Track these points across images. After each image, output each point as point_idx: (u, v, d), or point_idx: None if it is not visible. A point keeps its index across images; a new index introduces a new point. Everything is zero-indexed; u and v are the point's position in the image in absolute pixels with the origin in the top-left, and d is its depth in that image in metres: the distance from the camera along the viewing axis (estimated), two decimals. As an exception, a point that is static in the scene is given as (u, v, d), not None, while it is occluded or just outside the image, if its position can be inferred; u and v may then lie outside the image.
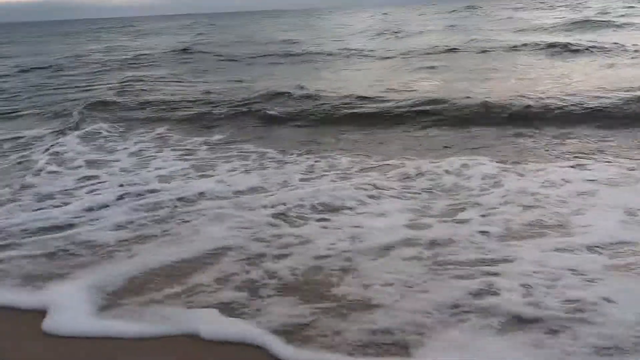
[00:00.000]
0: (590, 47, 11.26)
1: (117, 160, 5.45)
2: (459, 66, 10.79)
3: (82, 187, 4.61)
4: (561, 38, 13.36)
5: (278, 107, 7.61)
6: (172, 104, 8.41)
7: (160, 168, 5.10)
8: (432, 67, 10.88)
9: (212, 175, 4.77)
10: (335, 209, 3.79)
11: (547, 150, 5.07)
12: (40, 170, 5.11)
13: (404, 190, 4.13)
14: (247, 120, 7.12)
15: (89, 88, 10.86)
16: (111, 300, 2.72)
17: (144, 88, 10.35)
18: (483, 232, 3.27)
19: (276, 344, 2.28)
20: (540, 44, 12.34)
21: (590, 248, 2.99)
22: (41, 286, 2.88)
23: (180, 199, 4.14)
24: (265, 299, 2.66)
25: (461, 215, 3.56)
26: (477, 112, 6.57)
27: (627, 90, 6.86)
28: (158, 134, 6.65)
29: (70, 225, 3.72)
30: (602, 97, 6.64)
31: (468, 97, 7.18)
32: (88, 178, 4.86)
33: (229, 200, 4.08)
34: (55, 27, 63.11)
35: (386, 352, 2.22)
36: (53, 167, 5.20)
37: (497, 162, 4.67)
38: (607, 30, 14.98)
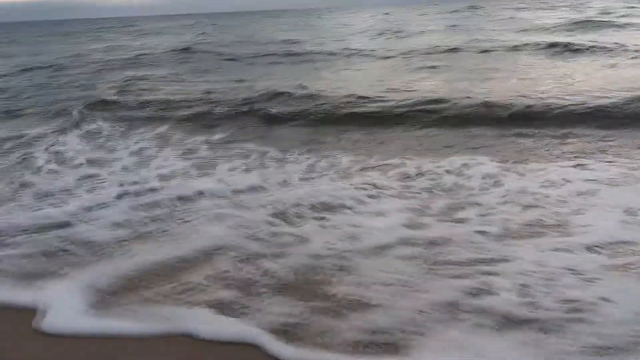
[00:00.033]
0: (591, 47, 11.24)
1: (118, 159, 5.46)
2: (460, 66, 10.78)
3: (81, 185, 4.62)
4: (562, 38, 13.34)
5: (279, 106, 7.62)
6: (173, 104, 8.43)
7: (160, 167, 5.11)
8: (433, 67, 10.87)
9: (212, 175, 4.78)
10: (334, 209, 3.80)
11: (548, 150, 5.06)
12: (40, 168, 5.13)
13: (404, 189, 4.13)
14: (248, 120, 7.13)
15: (90, 87, 10.87)
16: (107, 299, 2.72)
17: (145, 87, 10.36)
18: (482, 232, 3.27)
19: (273, 343, 2.29)
20: (541, 44, 12.32)
21: (589, 248, 2.99)
22: (37, 285, 2.88)
23: (179, 198, 4.14)
24: (261, 298, 2.66)
25: (460, 215, 3.57)
26: (478, 112, 6.57)
27: (628, 90, 6.84)
28: (159, 133, 6.66)
29: (68, 224, 3.72)
30: (603, 97, 6.63)
31: (469, 97, 7.17)
32: (88, 177, 4.86)
33: (228, 199, 4.09)
34: (55, 27, 63.14)
35: (383, 351, 2.22)
36: (53, 166, 5.22)
37: (497, 162, 4.67)
38: (608, 30, 14.95)
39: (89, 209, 4.00)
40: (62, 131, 6.80)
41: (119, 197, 4.24)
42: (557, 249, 2.99)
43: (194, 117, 7.48)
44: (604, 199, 3.69)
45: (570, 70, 9.26)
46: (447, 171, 4.50)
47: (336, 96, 7.95)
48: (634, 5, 22.85)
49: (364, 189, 4.16)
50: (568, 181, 4.07)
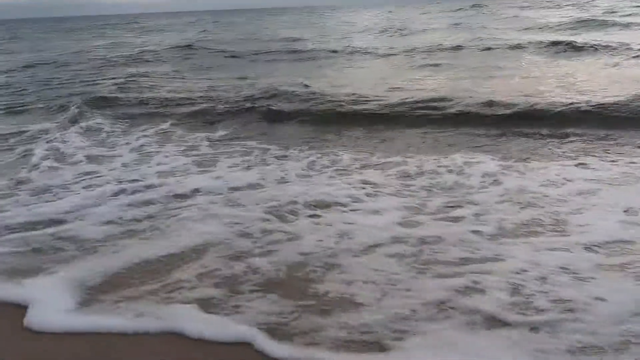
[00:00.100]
0: (595, 45, 11.19)
1: (118, 156, 5.47)
2: (463, 64, 10.75)
3: (79, 182, 4.62)
4: (566, 37, 13.28)
5: (281, 104, 7.62)
6: (175, 100, 8.44)
7: (161, 164, 5.12)
8: (436, 65, 10.86)
9: (212, 171, 4.79)
10: (329, 206, 3.79)
11: (550, 149, 5.05)
12: (38, 165, 5.12)
13: (403, 188, 4.13)
14: (251, 117, 7.13)
15: (92, 83, 10.89)
16: (95, 296, 2.71)
17: (148, 84, 10.38)
18: (476, 231, 3.26)
19: (264, 341, 2.28)
20: (545, 43, 12.28)
21: (586, 247, 2.97)
22: (25, 282, 2.88)
23: (175, 195, 4.14)
24: (250, 296, 2.65)
25: (456, 214, 3.55)
26: (481, 110, 6.55)
27: (631, 90, 6.82)
28: (161, 129, 6.67)
29: (61, 221, 3.71)
30: (606, 96, 6.61)
31: (471, 96, 7.16)
32: (87, 173, 4.87)
33: (223, 196, 4.09)
34: (57, 24, 63.21)
35: (371, 350, 2.21)
36: (52, 163, 5.21)
37: (498, 160, 4.67)
38: (613, 29, 14.88)
39: (84, 206, 4.00)
40: (63, 128, 6.82)
41: (116, 194, 4.24)
42: (553, 249, 2.97)
43: (196, 114, 7.49)
44: (604, 198, 3.68)
45: (573, 69, 9.23)
46: (448, 170, 4.49)
47: (338, 94, 7.95)
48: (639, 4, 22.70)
49: (363, 187, 4.16)
50: (569, 180, 4.07)
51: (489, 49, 12.61)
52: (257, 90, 8.58)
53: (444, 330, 2.30)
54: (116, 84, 10.42)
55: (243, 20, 44.66)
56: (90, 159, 5.40)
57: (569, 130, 5.62)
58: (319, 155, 5.16)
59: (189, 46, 17.87)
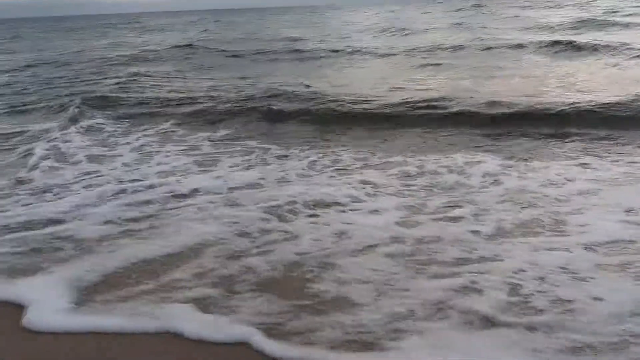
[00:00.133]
0: (596, 45, 11.17)
1: (119, 156, 5.48)
2: (464, 64, 10.75)
3: (79, 182, 4.62)
4: (567, 37, 13.26)
5: (282, 104, 7.62)
6: (177, 100, 8.45)
7: (161, 163, 5.12)
8: (437, 65, 10.86)
9: (212, 171, 4.79)
10: (329, 206, 3.79)
11: (551, 149, 5.06)
12: (37, 165, 5.12)
13: (403, 187, 4.13)
14: (252, 117, 7.13)
15: (94, 83, 10.90)
16: (91, 295, 2.72)
17: (149, 83, 10.39)
18: (475, 231, 3.26)
19: (262, 340, 2.27)
20: (545, 43, 12.27)
21: (586, 247, 2.97)
22: (22, 282, 2.88)
23: (174, 195, 4.14)
24: (246, 295, 2.65)
25: (455, 214, 3.55)
26: (482, 110, 6.55)
27: (633, 89, 6.81)
28: (162, 129, 6.68)
29: (60, 221, 3.71)
30: (607, 96, 6.60)
31: (472, 97, 7.16)
32: (87, 173, 4.88)
33: (223, 196, 4.09)
34: (58, 23, 63.22)
35: (367, 350, 2.21)
36: (52, 163, 5.21)
37: (500, 160, 4.67)
38: (613, 29, 14.86)
39: (84, 206, 4.00)
40: (64, 127, 6.82)
41: (115, 194, 4.24)
42: (552, 248, 2.97)
43: (197, 113, 7.49)
44: (605, 198, 3.67)
45: (573, 69, 9.23)
46: (448, 169, 4.50)
47: (339, 94, 7.95)
48: (640, 4, 22.66)
49: (363, 186, 4.16)
50: (569, 180, 4.07)
51: (489, 48, 12.61)
52: (258, 90, 8.59)
53: (442, 330, 2.30)
54: (117, 83, 10.43)
55: (244, 20, 44.64)
56: (90, 158, 5.40)
57: (569, 130, 5.62)
58: (320, 155, 5.16)
59: (189, 46, 17.88)
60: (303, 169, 4.72)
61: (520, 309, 2.42)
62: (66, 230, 3.54)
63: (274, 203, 3.85)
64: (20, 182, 4.66)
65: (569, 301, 2.45)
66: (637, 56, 9.83)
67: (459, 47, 13.21)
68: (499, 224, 3.34)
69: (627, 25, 15.28)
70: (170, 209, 3.87)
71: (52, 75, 12.69)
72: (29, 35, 34.78)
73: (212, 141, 5.98)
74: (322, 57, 13.66)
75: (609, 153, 4.77)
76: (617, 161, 4.50)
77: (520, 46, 12.45)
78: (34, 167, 5.07)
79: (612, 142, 5.14)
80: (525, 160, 4.67)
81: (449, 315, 2.41)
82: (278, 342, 2.26)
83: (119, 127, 6.87)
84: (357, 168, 4.71)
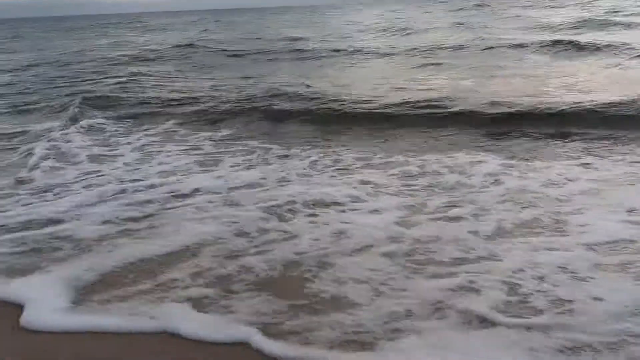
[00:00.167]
0: (597, 45, 11.16)
1: (120, 156, 5.49)
2: (465, 64, 10.74)
3: (80, 181, 4.63)
4: (569, 36, 13.24)
5: (284, 103, 7.63)
6: (178, 100, 8.46)
7: (162, 163, 5.13)
8: (439, 65, 10.85)
9: (213, 171, 4.79)
10: (329, 205, 3.79)
11: (553, 149, 5.05)
12: (38, 165, 5.12)
13: (404, 187, 4.12)
14: (253, 117, 7.13)
15: (96, 82, 10.91)
16: (90, 295, 2.72)
17: (150, 83, 10.40)
18: (474, 231, 3.25)
19: (261, 339, 2.27)
20: (547, 43, 12.25)
21: (586, 247, 2.96)
22: (20, 280, 2.89)
23: (174, 195, 4.14)
24: (243, 295, 2.65)
25: (455, 214, 3.54)
26: (483, 110, 6.55)
27: (635, 89, 6.80)
28: (163, 129, 6.68)
29: (59, 221, 3.71)
30: (609, 96, 6.59)
31: (473, 96, 7.16)
32: (87, 173, 4.88)
33: (223, 195, 4.09)
34: (59, 23, 63.25)
35: (363, 349, 2.20)
36: (53, 162, 5.22)
37: (501, 160, 4.67)
38: (615, 29, 14.84)
39: (83, 205, 4.00)
40: (66, 127, 6.83)
41: (116, 193, 4.24)
42: (551, 248, 2.96)
43: (198, 113, 7.50)
44: (606, 198, 3.67)
45: (575, 69, 9.21)
46: (450, 169, 4.49)
47: (340, 94, 7.95)
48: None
49: (363, 186, 4.16)
50: (571, 180, 4.06)
51: (490, 48, 12.60)
52: (259, 90, 8.59)
53: (439, 329, 2.30)
54: (118, 82, 10.44)
55: (244, 20, 44.65)
56: (91, 158, 5.41)
57: (571, 130, 5.61)
58: (321, 154, 5.16)
59: (190, 45, 17.88)
60: (304, 169, 4.72)
61: (519, 309, 2.41)
62: (65, 230, 3.54)
63: (273, 203, 3.85)
64: (21, 182, 4.66)
65: (569, 301, 2.44)
66: (639, 56, 9.82)
67: (460, 47, 13.20)
68: (499, 223, 3.33)
69: (629, 25, 15.25)
70: (170, 209, 3.87)
71: (53, 75, 12.70)
72: (30, 35, 34.81)
73: (214, 141, 5.98)
74: (323, 56, 13.65)
75: (611, 153, 4.76)
76: (618, 161, 4.49)
77: (521, 46, 12.43)
78: (35, 167, 5.07)
79: (613, 142, 5.13)
80: (527, 160, 4.67)
81: (447, 315, 2.40)
82: (277, 342, 2.25)
83: (120, 127, 6.87)
84: (358, 168, 4.71)
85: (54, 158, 5.35)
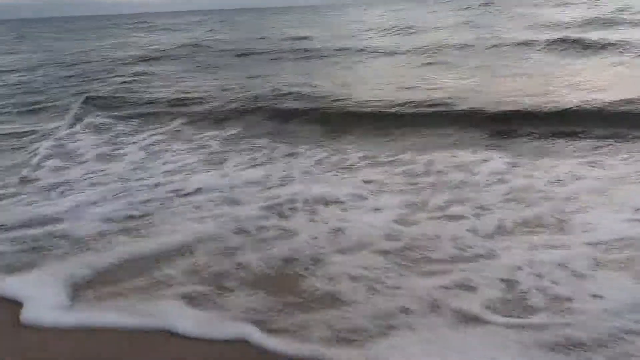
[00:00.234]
0: (605, 44, 11.08)
1: (126, 154, 5.53)
2: (471, 63, 10.70)
3: (85, 180, 4.67)
4: (576, 35, 13.16)
5: (290, 103, 7.65)
6: (185, 99, 8.49)
7: (168, 162, 5.16)
8: (444, 64, 10.81)
9: (218, 169, 4.81)
10: (331, 204, 3.80)
11: (559, 147, 5.04)
12: (43, 163, 5.17)
13: (408, 186, 4.12)
14: (259, 116, 7.15)
15: (102, 82, 10.99)
16: (87, 292, 2.74)
17: (157, 83, 10.46)
18: (475, 229, 3.24)
19: (260, 336, 2.28)
20: (553, 41, 12.18)
21: (588, 245, 2.94)
22: (20, 278, 2.91)
23: (178, 193, 4.16)
24: (238, 292, 2.66)
25: (457, 212, 3.53)
26: (489, 108, 6.53)
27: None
28: (170, 128, 6.73)
29: (61, 220, 3.73)
30: (616, 94, 6.55)
31: (479, 95, 7.14)
32: (93, 171, 4.92)
33: (226, 193, 4.10)
34: (61, 24, 63.54)
35: (356, 347, 2.21)
36: (58, 161, 5.26)
37: (507, 158, 4.65)
38: (623, 27, 14.73)
39: (86, 204, 4.02)
40: (72, 126, 6.89)
41: (119, 192, 4.26)
42: (552, 247, 2.94)
43: (205, 113, 7.53)
44: (612, 197, 3.64)
45: (582, 67, 9.16)
46: (454, 168, 4.49)
47: (346, 93, 7.96)
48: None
49: (367, 184, 4.16)
50: (577, 179, 4.04)
51: (497, 47, 12.55)
52: (265, 89, 8.61)
53: (434, 327, 2.30)
54: (125, 82, 10.52)
55: (247, 20, 44.70)
56: (97, 157, 5.46)
57: (577, 128, 5.58)
58: (326, 153, 5.18)
59: (196, 45, 17.95)
60: (308, 167, 4.74)
61: (516, 307, 2.41)
62: (67, 228, 3.57)
63: (275, 201, 3.87)
64: (26, 180, 4.71)
65: (568, 299, 2.44)
66: (647, 54, 9.74)
67: (466, 46, 13.15)
68: (502, 222, 3.32)
69: (637, 24, 15.13)
70: (173, 207, 3.89)
71: (61, 74, 12.80)
72: (33, 36, 34.98)
73: (220, 140, 6.01)
74: (328, 56, 13.65)
75: (618, 151, 4.73)
76: (625, 160, 4.47)
77: (528, 44, 12.37)
78: (40, 165, 5.12)
79: (620, 141, 5.09)
80: (533, 158, 4.65)
81: (443, 312, 2.40)
82: (275, 339, 2.26)
83: (126, 126, 6.92)
84: (362, 166, 4.71)
85: (59, 157, 5.39)
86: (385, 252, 3.01)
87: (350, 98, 7.61)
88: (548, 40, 12.43)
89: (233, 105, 7.75)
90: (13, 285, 2.83)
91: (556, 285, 2.56)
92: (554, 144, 5.19)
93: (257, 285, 2.72)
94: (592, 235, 3.06)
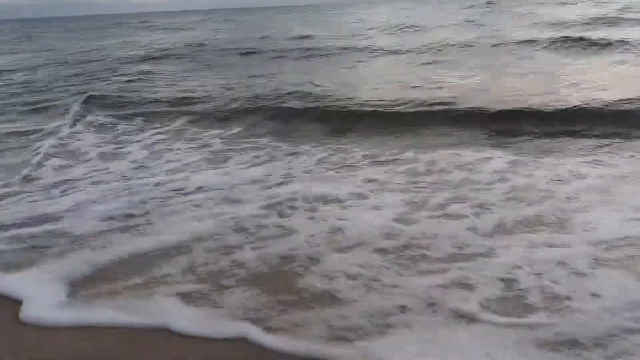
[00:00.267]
0: (609, 42, 11.04)
1: (129, 153, 5.55)
2: (475, 62, 10.68)
3: (87, 178, 4.69)
4: (580, 34, 13.10)
5: (293, 102, 7.66)
6: (189, 98, 8.52)
7: (171, 161, 5.18)
8: (448, 63, 10.80)
9: (221, 168, 4.83)
10: (331, 202, 3.81)
11: (561, 146, 5.03)
12: (45, 162, 5.18)
13: (409, 184, 4.12)
14: (263, 115, 7.16)
15: (106, 81, 11.02)
16: (86, 290, 2.75)
17: (160, 82, 10.49)
18: (473, 228, 3.24)
19: (259, 334, 2.29)
20: (557, 39, 12.15)
21: (588, 244, 2.93)
22: (19, 276, 2.93)
23: (179, 192, 4.18)
24: (235, 290, 2.67)
25: (457, 211, 3.53)
26: (492, 107, 6.52)
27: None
28: (174, 127, 6.75)
29: (61, 218, 3.75)
30: (619, 93, 6.53)
31: (483, 94, 7.13)
32: (96, 170, 4.95)
33: (228, 192, 4.12)
34: (63, 24, 63.73)
35: (353, 346, 2.21)
36: (61, 159, 5.28)
37: (509, 157, 4.65)
38: (627, 26, 14.66)
39: (88, 202, 4.04)
40: (76, 125, 6.92)
41: (121, 190, 4.28)
42: (552, 245, 2.94)
43: (208, 112, 7.55)
44: (614, 196, 3.63)
45: (586, 66, 9.13)
46: (457, 167, 4.49)
47: (349, 92, 7.96)
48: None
49: (369, 183, 4.17)
50: (579, 178, 4.03)
51: (500, 45, 12.52)
52: (267, 89, 8.63)
53: (432, 326, 2.30)
54: (129, 81, 10.55)
55: (252, 19, 44.72)
56: (99, 156, 5.48)
57: (580, 128, 5.57)
58: (329, 152, 5.18)
59: (200, 44, 17.98)
60: (310, 166, 4.74)
61: (514, 306, 2.41)
62: (67, 227, 3.59)
63: (275, 199, 3.88)
64: (28, 179, 4.73)
65: (566, 297, 2.43)
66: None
67: (469, 45, 13.12)
68: (502, 220, 3.32)
69: (640, 22, 15.05)
70: (173, 205, 3.90)
71: (63, 74, 12.84)
72: (35, 36, 35.08)
73: (223, 139, 6.02)
74: (332, 55, 13.65)
75: (621, 150, 4.72)
76: (628, 158, 4.45)
77: (531, 43, 12.33)
78: (42, 164, 5.14)
79: (623, 140, 5.08)
80: (536, 157, 4.64)
81: (441, 311, 2.40)
82: (275, 337, 2.27)
83: (129, 125, 6.94)
84: (364, 165, 4.72)
85: (61, 156, 5.41)
86: (384, 251, 3.02)
87: (352, 97, 7.61)
88: (551, 39, 12.39)
89: (235, 105, 7.77)
90: (12, 283, 2.85)
91: (555, 284, 2.56)
92: (555, 143, 5.18)
93: (255, 284, 2.74)
94: (592, 234, 3.06)
